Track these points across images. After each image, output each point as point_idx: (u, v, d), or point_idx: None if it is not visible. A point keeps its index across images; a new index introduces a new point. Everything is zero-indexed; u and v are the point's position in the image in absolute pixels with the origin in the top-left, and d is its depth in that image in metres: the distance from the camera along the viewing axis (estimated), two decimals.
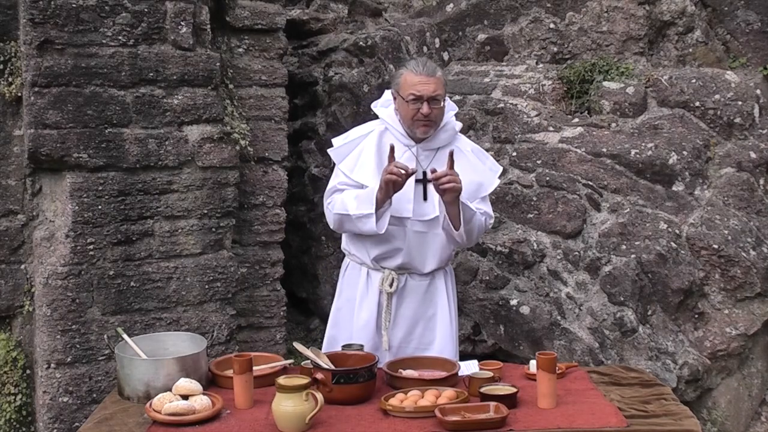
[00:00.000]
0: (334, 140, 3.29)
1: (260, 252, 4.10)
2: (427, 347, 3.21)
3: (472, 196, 3.16)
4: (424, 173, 3.12)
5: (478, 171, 3.20)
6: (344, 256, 3.35)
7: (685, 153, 4.03)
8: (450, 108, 3.22)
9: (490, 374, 2.78)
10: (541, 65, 4.68)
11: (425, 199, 3.12)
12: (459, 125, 3.25)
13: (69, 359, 3.38)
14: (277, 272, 4.15)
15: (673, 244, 3.88)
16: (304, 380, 2.48)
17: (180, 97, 3.55)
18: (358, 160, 3.15)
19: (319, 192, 4.95)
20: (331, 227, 3.23)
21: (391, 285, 3.16)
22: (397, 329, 3.20)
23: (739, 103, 4.16)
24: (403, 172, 2.91)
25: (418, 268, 3.18)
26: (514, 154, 4.22)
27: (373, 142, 3.15)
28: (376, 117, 3.28)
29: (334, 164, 3.26)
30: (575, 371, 2.99)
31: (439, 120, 3.10)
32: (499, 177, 3.30)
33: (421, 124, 3.06)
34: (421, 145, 3.14)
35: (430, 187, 3.09)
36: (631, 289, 3.83)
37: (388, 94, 3.25)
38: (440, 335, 3.23)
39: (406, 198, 3.09)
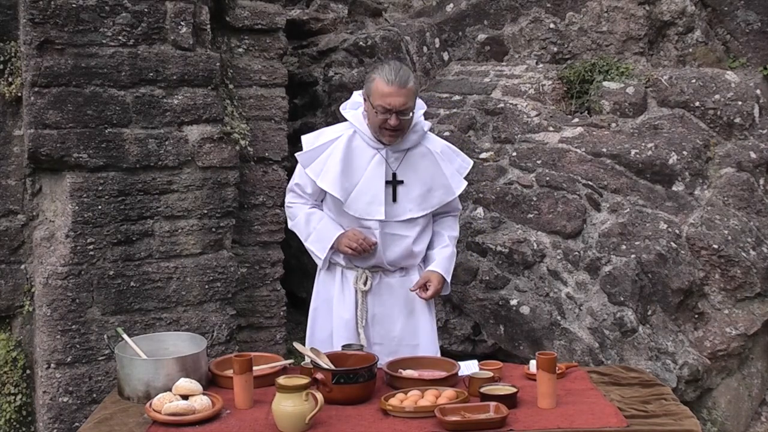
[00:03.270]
0: (303, 138, 3.31)
1: (260, 252, 4.10)
2: (412, 343, 3.24)
3: (440, 201, 3.24)
4: (394, 174, 3.16)
5: (446, 173, 3.24)
6: None
7: (685, 153, 4.03)
8: (419, 107, 3.23)
9: (490, 374, 2.79)
10: (541, 65, 4.68)
11: (395, 200, 3.16)
12: (428, 125, 3.28)
13: (69, 359, 3.38)
14: (277, 272, 4.15)
15: (673, 244, 3.88)
16: (304, 380, 2.48)
17: (180, 97, 3.55)
18: (324, 165, 3.17)
19: None
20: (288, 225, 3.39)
21: (365, 283, 3.20)
22: (378, 326, 3.24)
23: (739, 103, 4.16)
24: (360, 248, 3.11)
25: (391, 267, 3.23)
26: (514, 154, 4.22)
27: (341, 148, 3.17)
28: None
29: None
30: (575, 371, 2.99)
31: (406, 128, 3.12)
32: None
33: (388, 133, 3.08)
34: (390, 147, 3.17)
35: (399, 189, 3.17)
36: (631, 289, 3.83)
37: (356, 96, 3.26)
38: (423, 330, 3.27)
39: (377, 200, 3.13)
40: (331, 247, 3.18)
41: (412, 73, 3.14)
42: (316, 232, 3.22)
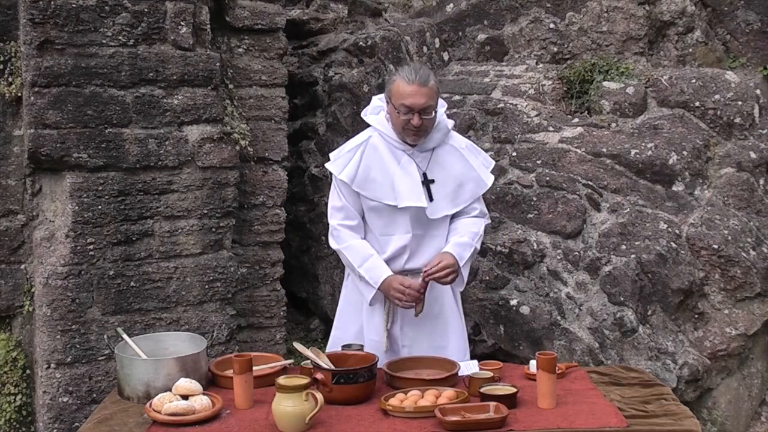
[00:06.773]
0: (331, 155, 3.26)
1: (260, 252, 4.10)
2: (441, 345, 3.22)
3: (472, 194, 3.23)
4: (425, 174, 3.15)
5: (475, 166, 3.25)
6: None
7: (685, 153, 4.03)
8: (440, 105, 3.22)
9: (490, 374, 2.79)
10: (541, 65, 4.68)
11: (431, 199, 3.14)
12: (451, 123, 3.27)
13: (69, 359, 3.38)
14: (277, 272, 4.15)
15: (673, 244, 3.88)
16: (304, 380, 2.48)
17: (180, 97, 3.55)
18: (357, 170, 3.13)
19: (319, 192, 4.95)
20: (332, 247, 3.26)
21: None
22: (407, 328, 3.21)
23: (739, 103, 4.15)
24: (410, 298, 3.04)
25: (420, 268, 3.19)
26: (514, 154, 4.21)
27: (373, 152, 3.15)
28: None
29: (332, 178, 3.25)
30: (575, 371, 2.99)
31: (430, 128, 3.11)
32: (498, 176, 3.33)
33: (412, 133, 3.07)
34: (417, 147, 3.16)
35: (433, 188, 3.14)
36: (631, 289, 3.83)
37: (376, 101, 3.26)
38: (452, 332, 3.26)
39: (417, 194, 3.10)
40: (379, 287, 3.10)
41: (433, 73, 3.09)
42: (368, 268, 3.12)
